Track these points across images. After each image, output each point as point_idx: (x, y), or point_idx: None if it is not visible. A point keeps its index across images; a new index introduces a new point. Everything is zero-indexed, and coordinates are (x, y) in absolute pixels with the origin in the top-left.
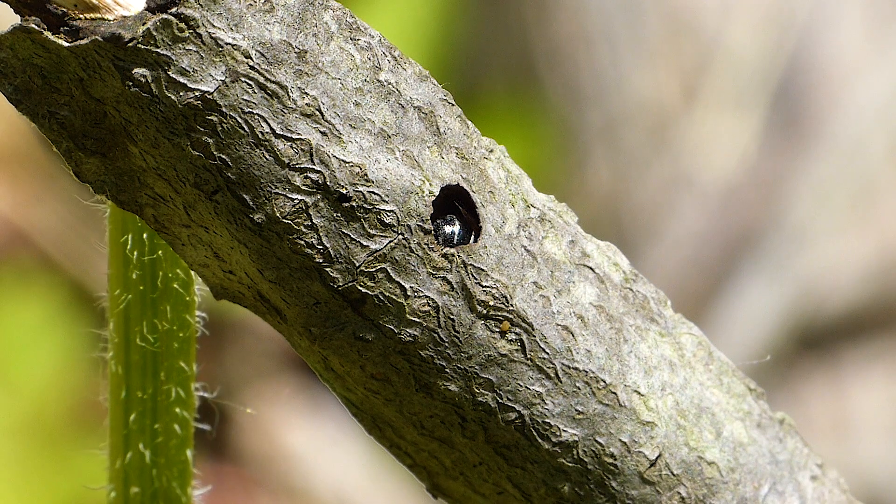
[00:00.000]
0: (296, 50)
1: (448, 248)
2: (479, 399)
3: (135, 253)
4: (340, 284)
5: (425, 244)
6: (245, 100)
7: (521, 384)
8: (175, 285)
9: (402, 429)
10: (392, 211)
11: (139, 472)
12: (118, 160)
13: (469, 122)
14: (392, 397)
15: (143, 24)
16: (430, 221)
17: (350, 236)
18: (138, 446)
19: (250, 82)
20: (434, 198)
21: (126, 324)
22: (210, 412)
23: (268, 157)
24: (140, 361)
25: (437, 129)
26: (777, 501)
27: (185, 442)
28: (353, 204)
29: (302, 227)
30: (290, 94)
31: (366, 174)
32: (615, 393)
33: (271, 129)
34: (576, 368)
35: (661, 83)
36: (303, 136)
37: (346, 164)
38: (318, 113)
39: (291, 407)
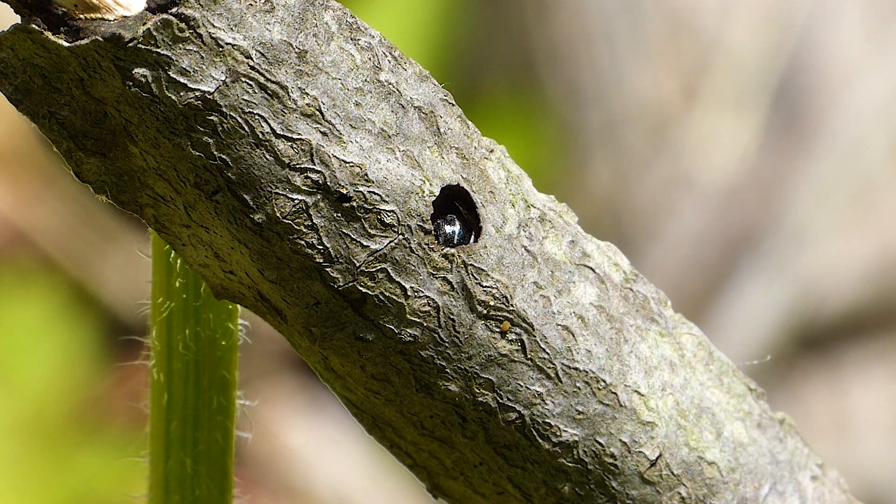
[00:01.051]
0: (296, 50)
1: (448, 248)
2: (480, 399)
3: (178, 261)
4: (341, 284)
5: (425, 244)
6: (245, 100)
7: (522, 384)
8: None
9: (402, 429)
10: (392, 211)
11: (179, 480)
12: (118, 160)
13: (469, 122)
14: (392, 397)
15: (144, 24)
16: (430, 221)
17: (350, 236)
18: (179, 454)
19: (251, 82)
20: (434, 198)
21: (169, 332)
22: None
23: (268, 157)
24: (182, 370)
25: (438, 129)
26: (777, 501)
27: (226, 451)
28: (354, 204)
29: (302, 227)
30: (291, 94)
31: (366, 174)
32: (615, 393)
33: (272, 129)
34: (576, 368)
35: (661, 83)
36: (303, 136)
37: (347, 164)
38: (318, 113)
39: (291, 407)
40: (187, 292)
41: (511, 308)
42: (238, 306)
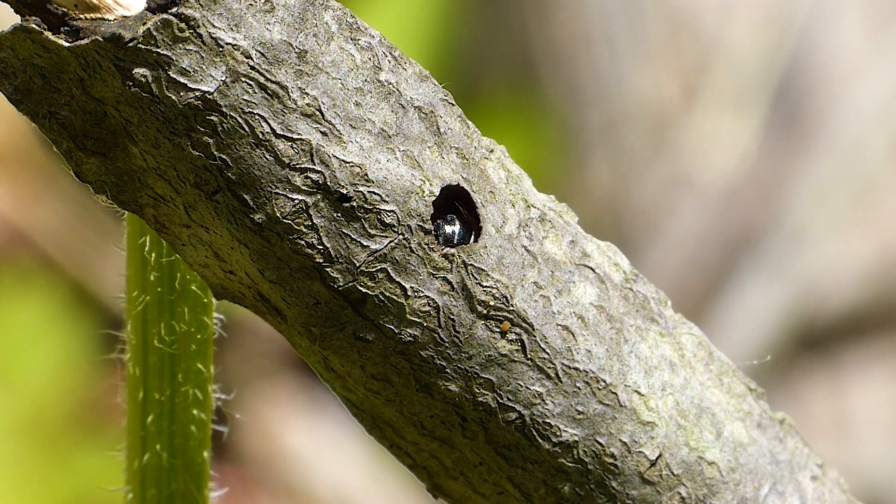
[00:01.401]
0: (296, 50)
1: (448, 248)
2: (480, 399)
3: (153, 255)
4: (341, 284)
5: (425, 244)
6: (245, 100)
7: (522, 384)
8: (193, 287)
9: (402, 429)
10: (392, 211)
11: (156, 473)
12: (118, 160)
13: (469, 122)
14: (392, 397)
15: (144, 24)
16: (430, 221)
17: (350, 236)
18: (155, 448)
19: (251, 82)
20: (434, 198)
21: (144, 325)
22: (219, 413)
23: (268, 157)
24: (157, 363)
25: (438, 129)
26: (777, 501)
27: (202, 444)
28: (354, 204)
29: (302, 227)
30: (291, 94)
31: (366, 174)
32: (615, 393)
33: (272, 129)
34: (576, 368)
35: (661, 83)
36: (303, 136)
37: (347, 164)
38: (318, 113)
39: (291, 407)
40: (162, 286)
41: (511, 308)
42: (213, 299)
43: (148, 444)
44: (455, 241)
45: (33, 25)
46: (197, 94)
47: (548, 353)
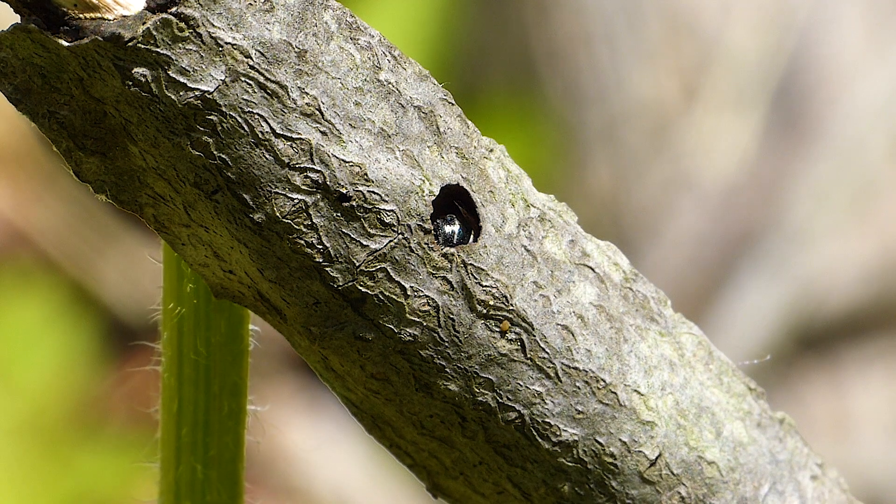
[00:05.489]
0: (296, 49)
1: (448, 248)
2: (479, 399)
3: (189, 266)
4: (340, 284)
5: (425, 244)
6: (245, 99)
7: (521, 384)
8: None
9: (402, 428)
10: (392, 210)
11: (190, 485)
12: (118, 160)
13: (469, 122)
14: (392, 397)
15: (143, 23)
16: (430, 221)
17: (350, 236)
18: (190, 459)
19: (250, 82)
20: (434, 197)
21: (179, 337)
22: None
23: (268, 156)
24: (193, 375)
25: (437, 128)
26: (777, 501)
27: (236, 456)
28: (353, 203)
29: (302, 226)
30: (290, 93)
31: (366, 174)
32: (615, 392)
33: (271, 128)
34: (576, 368)
35: (661, 83)
36: (303, 136)
37: (346, 164)
38: (318, 112)
39: (291, 407)
40: (198, 297)
41: (511, 307)
42: (249, 311)
43: (182, 456)
44: (455, 241)
45: (33, 25)
46: (196, 93)
47: (547, 353)
